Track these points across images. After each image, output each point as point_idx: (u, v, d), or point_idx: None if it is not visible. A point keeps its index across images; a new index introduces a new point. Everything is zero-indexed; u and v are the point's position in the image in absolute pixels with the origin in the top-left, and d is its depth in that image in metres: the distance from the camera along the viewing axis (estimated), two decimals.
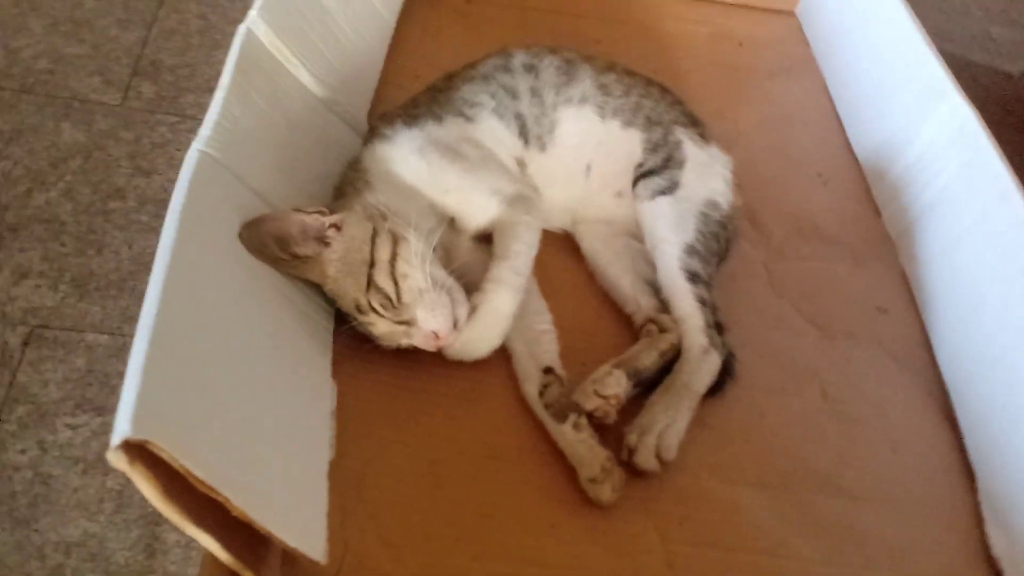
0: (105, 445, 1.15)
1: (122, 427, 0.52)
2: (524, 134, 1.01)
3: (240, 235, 0.79)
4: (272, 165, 0.89)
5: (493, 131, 0.99)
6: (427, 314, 0.82)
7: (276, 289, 0.82)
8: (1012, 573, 0.85)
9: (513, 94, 1.01)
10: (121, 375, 1.27)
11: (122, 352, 1.29)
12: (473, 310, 0.86)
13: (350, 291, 0.83)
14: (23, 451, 1.19)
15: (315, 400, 0.80)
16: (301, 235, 0.82)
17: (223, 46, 1.80)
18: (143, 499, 1.12)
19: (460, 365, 0.88)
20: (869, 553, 0.86)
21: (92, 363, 1.30)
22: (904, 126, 1.18)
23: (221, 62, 1.82)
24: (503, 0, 1.43)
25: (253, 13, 0.94)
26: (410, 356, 0.86)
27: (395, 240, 0.83)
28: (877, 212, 1.20)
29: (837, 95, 1.37)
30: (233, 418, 0.64)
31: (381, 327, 0.83)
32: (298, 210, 0.82)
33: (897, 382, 1.02)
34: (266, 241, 0.81)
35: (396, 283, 0.82)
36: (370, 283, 0.82)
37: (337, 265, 0.84)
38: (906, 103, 1.19)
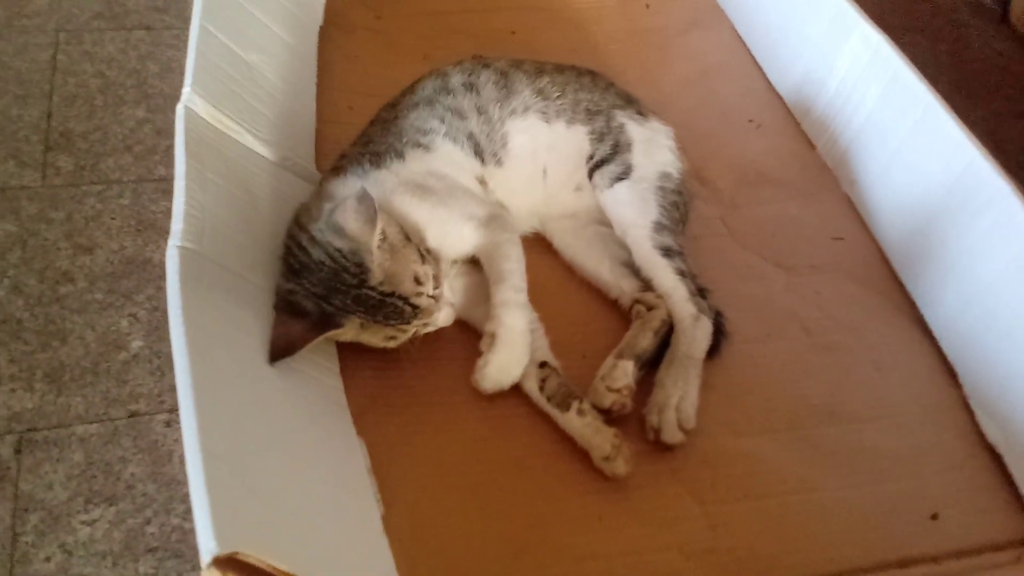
0: (125, 533, 1.16)
1: (207, 545, 0.55)
2: (479, 153, 1.03)
3: None
4: (245, 243, 0.90)
5: (451, 155, 1.01)
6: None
7: (284, 363, 0.84)
8: (1009, 457, 0.93)
9: (460, 115, 1.03)
10: (121, 460, 1.26)
11: (115, 437, 1.28)
12: (492, 338, 0.89)
13: (410, 265, 0.86)
14: (48, 559, 1.18)
15: (350, 464, 0.83)
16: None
17: (128, 101, 1.76)
18: None
19: (472, 388, 0.91)
20: (881, 467, 0.93)
21: (90, 455, 1.28)
22: (820, 61, 1.24)
23: (130, 118, 1.77)
24: (410, 8, 1.43)
25: (187, 89, 0.94)
26: (423, 390, 0.90)
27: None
28: (811, 146, 1.27)
29: (750, 40, 1.42)
30: (291, 508, 0.66)
31: (424, 302, 0.87)
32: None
33: (866, 303, 1.09)
34: None
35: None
36: (422, 255, 0.88)
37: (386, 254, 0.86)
38: (818, 38, 1.24)
